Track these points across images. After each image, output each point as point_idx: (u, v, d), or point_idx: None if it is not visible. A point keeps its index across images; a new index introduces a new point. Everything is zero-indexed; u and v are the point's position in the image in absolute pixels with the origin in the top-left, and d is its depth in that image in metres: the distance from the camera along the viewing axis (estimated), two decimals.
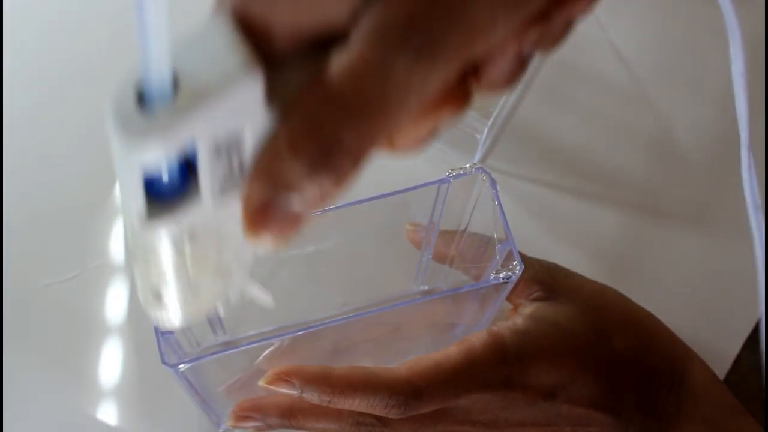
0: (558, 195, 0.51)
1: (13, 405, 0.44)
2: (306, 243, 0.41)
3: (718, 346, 0.42)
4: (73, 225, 0.49)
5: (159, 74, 0.19)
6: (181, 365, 0.33)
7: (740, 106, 0.35)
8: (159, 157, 0.20)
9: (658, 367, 0.38)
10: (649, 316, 0.40)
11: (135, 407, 0.44)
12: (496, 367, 0.35)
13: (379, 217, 0.39)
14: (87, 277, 0.47)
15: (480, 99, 0.25)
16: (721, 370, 0.42)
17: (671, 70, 0.56)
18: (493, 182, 0.37)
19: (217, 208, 0.23)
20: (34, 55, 0.55)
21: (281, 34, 0.21)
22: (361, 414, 0.35)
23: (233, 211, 0.23)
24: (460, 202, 0.39)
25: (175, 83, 0.20)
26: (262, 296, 0.29)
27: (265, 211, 0.22)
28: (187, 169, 0.22)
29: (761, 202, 0.36)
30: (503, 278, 0.35)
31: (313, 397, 0.34)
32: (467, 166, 0.37)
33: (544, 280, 0.38)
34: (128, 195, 0.22)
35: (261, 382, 0.35)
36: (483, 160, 0.51)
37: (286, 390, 0.34)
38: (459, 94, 0.24)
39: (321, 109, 0.21)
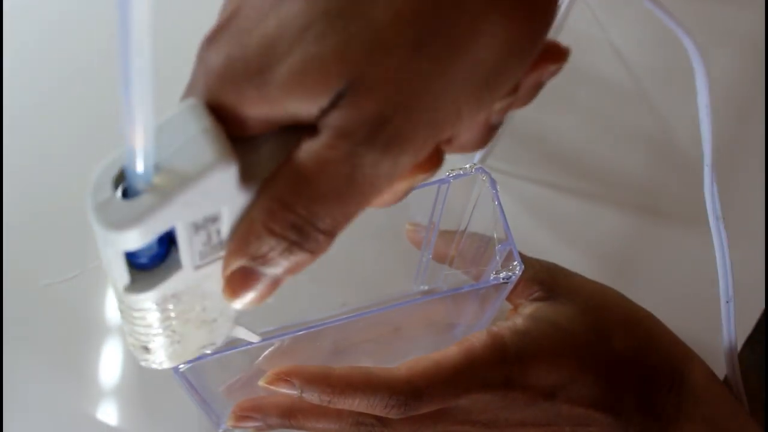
0: (558, 195, 0.51)
1: (13, 405, 0.44)
2: None
3: (718, 346, 0.42)
4: (73, 225, 0.49)
5: (143, 160, 0.20)
6: (181, 365, 0.33)
7: (704, 130, 0.40)
8: (138, 243, 0.21)
9: (658, 367, 0.38)
10: (649, 316, 0.40)
11: (135, 407, 0.44)
12: (496, 367, 0.35)
13: (379, 217, 0.39)
14: (87, 277, 0.47)
15: None
16: (721, 370, 0.42)
17: (671, 70, 0.56)
18: (493, 182, 0.37)
19: (198, 271, 0.23)
20: (34, 55, 0.55)
21: (252, 122, 0.22)
22: (361, 414, 0.35)
23: (214, 270, 0.24)
24: (460, 202, 0.39)
25: (155, 168, 0.20)
26: (248, 336, 0.29)
27: (243, 280, 0.23)
28: (168, 240, 0.22)
29: (721, 213, 0.42)
30: (503, 278, 0.35)
31: (313, 397, 0.34)
32: (467, 166, 0.37)
33: (544, 280, 0.38)
34: (111, 268, 0.22)
35: (261, 382, 0.35)
36: (483, 160, 0.51)
37: (286, 390, 0.34)
38: (431, 160, 0.24)
39: (293, 192, 0.22)
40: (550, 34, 0.23)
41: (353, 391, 0.34)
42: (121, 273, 0.22)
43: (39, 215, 0.49)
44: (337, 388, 0.34)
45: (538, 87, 0.25)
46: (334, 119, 0.21)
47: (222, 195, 0.21)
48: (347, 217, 0.23)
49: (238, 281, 0.23)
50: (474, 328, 0.40)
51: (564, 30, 0.52)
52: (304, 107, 0.21)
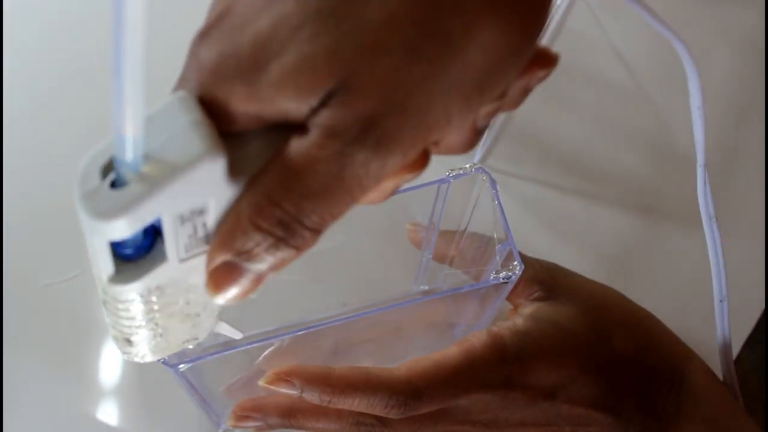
0: (558, 195, 0.51)
1: (13, 405, 0.44)
2: None
3: (715, 346, 0.42)
4: (73, 225, 0.49)
5: (132, 149, 0.20)
6: (181, 365, 0.33)
7: (697, 132, 0.41)
8: (125, 232, 0.21)
9: (658, 367, 0.38)
10: (649, 317, 0.40)
11: (135, 407, 0.44)
12: (496, 368, 0.35)
13: (379, 217, 0.39)
14: (87, 277, 0.47)
15: None
16: (716, 369, 0.42)
17: (670, 70, 0.56)
18: (493, 182, 0.37)
19: (183, 264, 0.23)
20: (34, 55, 0.55)
21: (241, 118, 0.22)
22: (361, 414, 0.35)
23: (199, 264, 0.24)
24: (460, 202, 0.39)
25: (143, 158, 0.20)
26: (231, 333, 0.29)
27: (227, 275, 0.23)
28: (153, 232, 0.23)
29: (714, 213, 0.42)
30: (503, 278, 0.35)
31: (313, 397, 0.34)
32: (467, 166, 0.37)
33: (544, 280, 0.38)
34: (96, 258, 0.22)
35: (261, 382, 0.35)
36: (483, 160, 0.51)
37: (286, 390, 0.34)
38: (418, 160, 0.24)
39: (281, 188, 0.22)
40: (550, 35, 0.23)
41: (353, 391, 0.34)
42: (106, 263, 0.22)
43: (39, 215, 0.49)
44: (337, 388, 0.34)
45: (526, 92, 0.25)
46: (324, 118, 0.21)
47: (209, 187, 0.22)
48: (334, 215, 0.23)
49: (221, 276, 0.23)
50: (474, 328, 0.40)
51: (564, 30, 0.52)
52: (295, 106, 0.21)
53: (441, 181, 0.37)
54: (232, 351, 0.33)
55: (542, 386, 0.36)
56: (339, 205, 0.23)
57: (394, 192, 0.26)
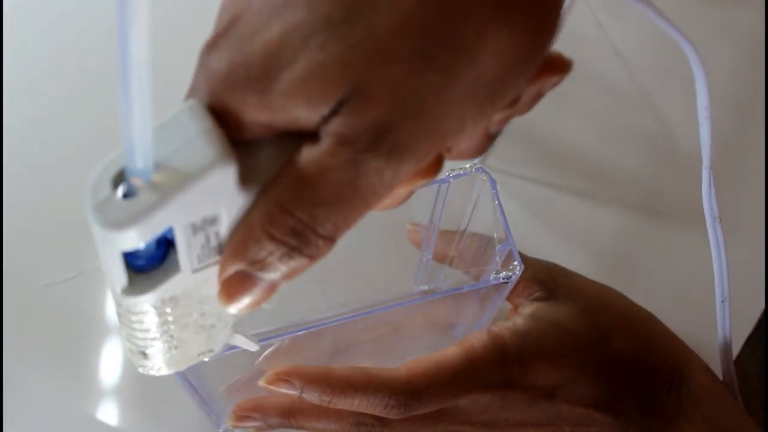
0: (558, 195, 0.51)
1: (13, 405, 0.44)
2: None
3: (716, 346, 0.42)
4: (73, 225, 0.49)
5: (142, 159, 0.20)
6: None
7: (704, 133, 0.41)
8: (138, 242, 0.21)
9: (658, 368, 0.38)
10: (650, 317, 0.40)
11: (135, 407, 0.44)
12: (496, 368, 0.35)
13: (380, 217, 0.39)
14: (87, 277, 0.47)
15: None
16: (716, 369, 0.42)
17: (671, 70, 0.56)
18: (493, 182, 0.37)
19: (197, 274, 0.23)
20: (34, 55, 0.55)
21: (252, 127, 0.22)
22: (361, 414, 0.35)
23: (213, 274, 0.24)
24: (460, 202, 0.39)
25: (154, 167, 0.20)
26: (247, 344, 0.29)
27: (240, 284, 0.23)
28: (166, 242, 0.22)
29: (718, 214, 0.42)
30: (503, 278, 0.35)
31: (313, 397, 0.34)
32: (467, 166, 0.37)
33: (544, 280, 0.38)
34: (109, 269, 0.22)
35: (261, 382, 0.35)
36: (483, 160, 0.51)
37: (286, 390, 0.34)
38: (431, 165, 0.24)
39: (294, 196, 0.22)
40: None
41: (353, 392, 0.34)
42: (119, 275, 0.22)
43: (39, 215, 0.49)
44: (337, 388, 0.34)
45: (538, 97, 0.25)
46: (336, 126, 0.21)
47: (221, 196, 0.21)
48: (348, 223, 0.23)
49: (234, 285, 0.23)
50: (474, 328, 0.40)
51: (564, 30, 0.52)
52: (306, 114, 0.21)
53: (441, 181, 0.37)
54: (232, 351, 0.33)
55: (542, 386, 0.36)
56: (353, 213, 0.22)
57: (408, 198, 0.26)
